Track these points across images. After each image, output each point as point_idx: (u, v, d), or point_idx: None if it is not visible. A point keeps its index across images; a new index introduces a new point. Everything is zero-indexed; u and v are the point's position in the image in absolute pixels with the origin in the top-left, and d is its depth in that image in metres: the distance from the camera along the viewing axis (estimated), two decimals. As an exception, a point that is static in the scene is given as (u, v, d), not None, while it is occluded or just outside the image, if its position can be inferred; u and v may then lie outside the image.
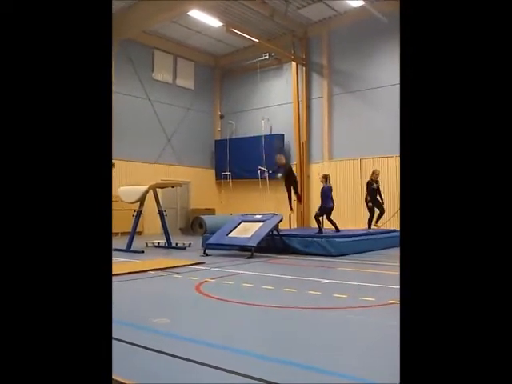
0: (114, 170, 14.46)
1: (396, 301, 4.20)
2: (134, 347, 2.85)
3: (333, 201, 9.62)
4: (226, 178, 17.42)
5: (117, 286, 5.15)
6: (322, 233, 9.38)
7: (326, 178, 9.79)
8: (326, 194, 9.57)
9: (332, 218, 9.70)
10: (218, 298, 4.50)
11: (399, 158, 1.53)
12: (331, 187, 9.72)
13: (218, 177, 18.05)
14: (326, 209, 9.59)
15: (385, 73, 14.34)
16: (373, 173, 11.01)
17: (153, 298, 4.73)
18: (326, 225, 10.04)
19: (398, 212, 13.33)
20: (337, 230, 9.67)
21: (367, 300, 4.35)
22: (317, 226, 9.59)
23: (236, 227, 9.26)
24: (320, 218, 9.68)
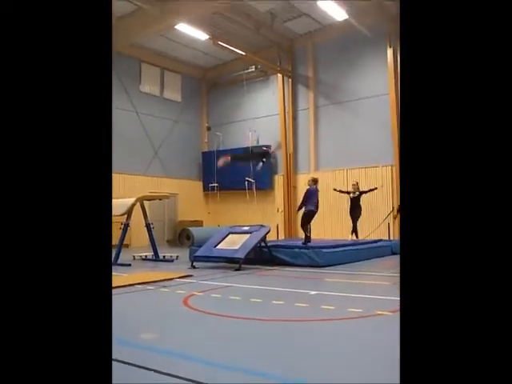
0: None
1: (383, 312, 4.24)
2: (120, 364, 2.81)
3: (317, 206, 9.30)
4: (214, 190, 17.40)
5: (103, 300, 5.09)
6: (310, 241, 9.29)
7: (314, 180, 9.58)
8: (309, 196, 9.27)
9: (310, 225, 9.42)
10: (206, 312, 4.49)
11: (397, 165, 1.55)
12: (318, 191, 9.48)
13: (206, 188, 18.04)
14: (310, 213, 9.27)
15: (368, 84, 14.58)
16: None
17: (140, 313, 4.69)
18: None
19: (384, 222, 13.46)
20: (307, 239, 9.27)
21: (355, 311, 4.37)
22: (304, 236, 9.49)
23: (224, 239, 9.25)
24: (308, 226, 9.42)
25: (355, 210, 11.13)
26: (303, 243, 9.22)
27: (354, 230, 11.18)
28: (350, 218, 11.33)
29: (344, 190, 12.07)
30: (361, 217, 11.26)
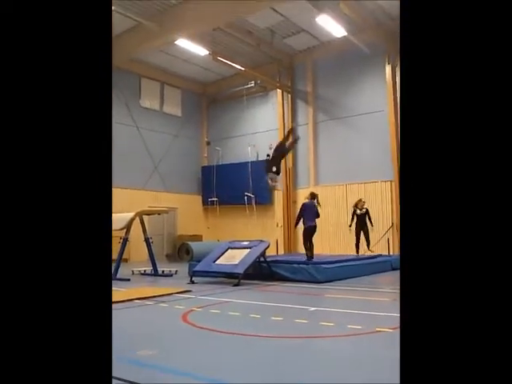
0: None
1: (383, 328, 4.20)
2: (118, 382, 2.78)
3: (314, 221, 9.26)
4: (213, 204, 17.39)
5: (101, 316, 5.04)
6: (312, 259, 9.23)
7: (312, 195, 9.57)
8: (306, 210, 9.23)
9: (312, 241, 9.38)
10: (205, 328, 4.45)
11: (396, 181, 1.56)
12: (315, 205, 9.41)
13: (205, 203, 18.03)
14: (310, 229, 9.24)
15: (367, 100, 14.70)
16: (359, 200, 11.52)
17: (139, 329, 4.64)
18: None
19: (384, 237, 13.44)
20: (309, 257, 9.21)
21: (354, 328, 4.33)
22: (305, 252, 9.38)
23: (223, 254, 9.21)
24: (310, 243, 9.33)
25: (365, 225, 11.11)
26: (307, 259, 9.13)
27: (357, 244, 11.24)
28: (355, 235, 11.28)
29: (350, 215, 11.69)
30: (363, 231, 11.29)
